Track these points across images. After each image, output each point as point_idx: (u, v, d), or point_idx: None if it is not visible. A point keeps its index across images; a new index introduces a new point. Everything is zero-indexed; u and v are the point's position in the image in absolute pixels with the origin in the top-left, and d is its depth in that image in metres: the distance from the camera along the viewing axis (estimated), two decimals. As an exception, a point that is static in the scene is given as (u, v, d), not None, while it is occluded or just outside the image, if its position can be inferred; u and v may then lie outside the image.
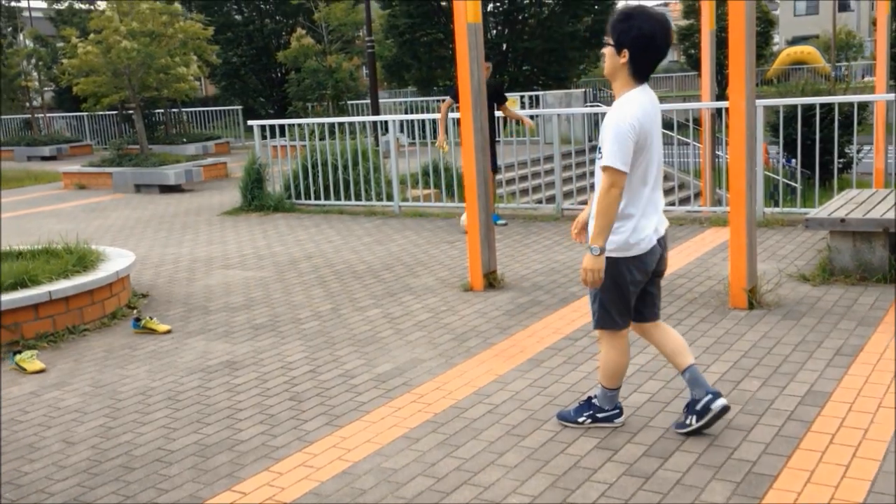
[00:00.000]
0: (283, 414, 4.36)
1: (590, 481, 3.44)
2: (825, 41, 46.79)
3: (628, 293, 3.69)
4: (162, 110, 22.14)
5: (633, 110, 3.47)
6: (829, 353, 4.66)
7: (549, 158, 10.86)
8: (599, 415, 3.92)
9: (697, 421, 3.74)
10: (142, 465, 3.87)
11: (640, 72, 3.53)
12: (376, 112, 16.04)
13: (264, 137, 11.70)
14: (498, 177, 10.21)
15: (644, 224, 3.60)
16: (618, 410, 3.94)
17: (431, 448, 3.84)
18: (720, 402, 3.71)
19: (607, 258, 3.54)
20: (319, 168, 11.05)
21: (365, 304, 6.37)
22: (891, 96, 8.52)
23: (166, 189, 14.33)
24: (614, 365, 3.83)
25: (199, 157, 18.55)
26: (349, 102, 22.77)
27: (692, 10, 40.70)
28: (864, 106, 12.60)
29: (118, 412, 4.54)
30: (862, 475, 3.33)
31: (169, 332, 5.96)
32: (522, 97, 18.83)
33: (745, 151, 5.46)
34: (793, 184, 12.35)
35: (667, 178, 13.25)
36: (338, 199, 10.92)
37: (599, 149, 3.56)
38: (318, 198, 11.07)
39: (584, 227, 3.85)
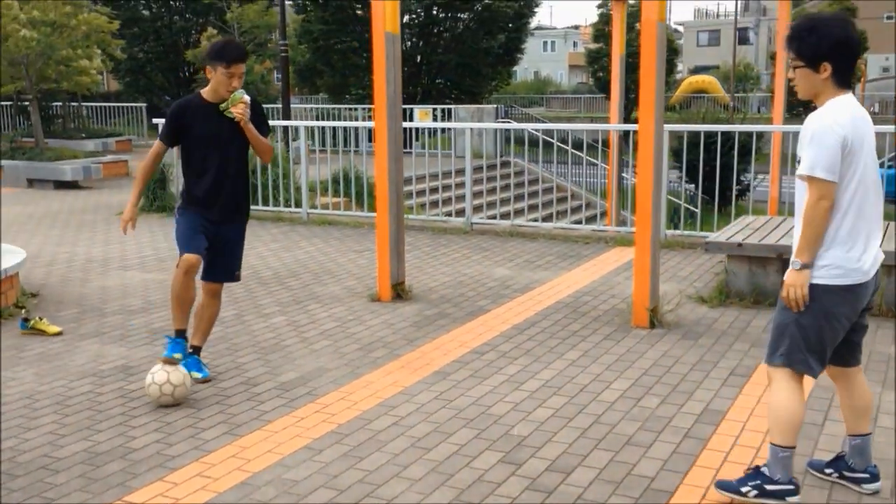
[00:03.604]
0: (179, 422, 4.21)
1: (494, 495, 3.44)
2: (725, 72, 48.79)
3: (833, 332, 3.20)
4: (60, 103, 21.27)
5: (837, 115, 3.08)
6: (725, 373, 4.81)
7: (460, 172, 10.93)
8: (769, 486, 3.25)
9: (839, 479, 3.44)
10: (26, 472, 3.67)
11: (845, 79, 3.16)
12: (287, 117, 15.80)
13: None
14: (408, 188, 10.20)
15: (869, 247, 3.20)
16: (793, 486, 3.24)
17: (334, 459, 3.77)
18: (874, 486, 3.39)
19: (812, 285, 3.14)
20: (226, 170, 10.77)
21: (270, 310, 6.24)
22: (787, 128, 8.91)
23: (62, 185, 13.75)
24: (789, 413, 3.21)
25: (99, 153, 17.87)
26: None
27: (602, 35, 41.77)
28: (759, 136, 13.17)
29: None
30: (754, 492, 3.43)
31: (59, 333, 5.69)
32: (435, 110, 18.91)
33: (653, 174, 5.60)
34: (692, 208, 12.78)
35: (574, 196, 13.51)
36: (244, 203, 10.67)
37: (798, 161, 3.17)
38: (223, 201, 10.79)
39: None
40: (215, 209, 4.66)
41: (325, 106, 23.64)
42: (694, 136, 10.03)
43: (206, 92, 4.61)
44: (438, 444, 3.92)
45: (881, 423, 4.07)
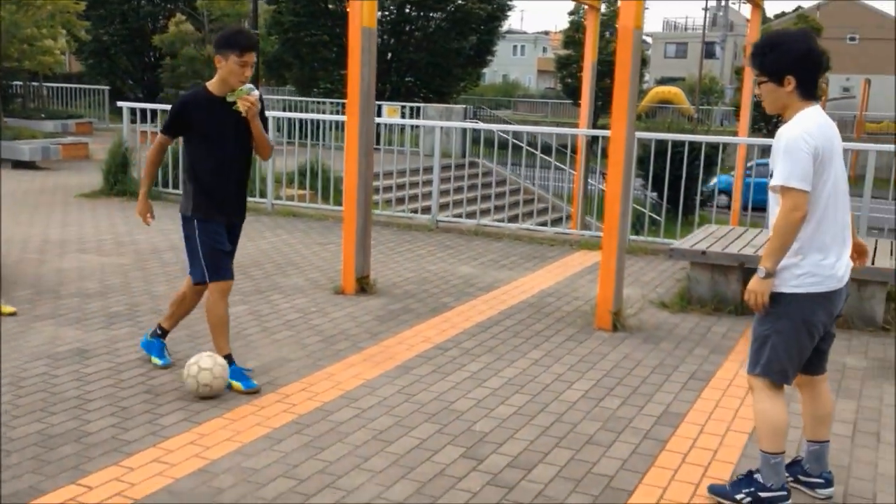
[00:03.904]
0: (137, 407, 4.14)
1: (455, 489, 3.43)
2: (691, 84, 49.45)
3: (810, 339, 3.25)
4: (21, 83, 20.83)
5: (806, 126, 3.12)
6: (685, 377, 4.87)
7: (428, 170, 10.92)
8: (763, 494, 3.29)
9: (794, 483, 3.48)
10: (-24, 453, 3.58)
11: (809, 91, 3.20)
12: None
13: (133, 121, 11.19)
14: (375, 183, 10.16)
15: (842, 254, 3.24)
16: (786, 492, 3.29)
17: (295, 449, 3.74)
18: (827, 491, 3.44)
19: (789, 294, 3.18)
20: (191, 157, 10.65)
21: (232, 299, 6.12)
22: (753, 140, 9.05)
23: (19, 165, 13.45)
24: (775, 421, 3.26)
25: (59, 134, 17.53)
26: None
27: (572, 41, 42.04)
28: (722, 147, 13.39)
29: (-48, 396, 4.19)
30: (711, 496, 3.47)
31: (14, 314, 5.56)
32: (404, 107, 18.88)
33: (623, 179, 5.64)
34: (656, 217, 12.92)
35: (540, 199, 13.57)
36: (208, 191, 10.55)
37: (771, 173, 3.20)
38: (186, 188, 10.66)
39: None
40: (228, 207, 4.50)
41: (293, 98, 23.45)
42: (659, 144, 10.13)
43: (212, 84, 4.41)
44: (400, 438, 3.91)
45: (836, 431, 4.14)
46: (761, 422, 3.31)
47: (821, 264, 3.18)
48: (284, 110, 20.95)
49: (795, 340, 3.23)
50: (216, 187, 4.43)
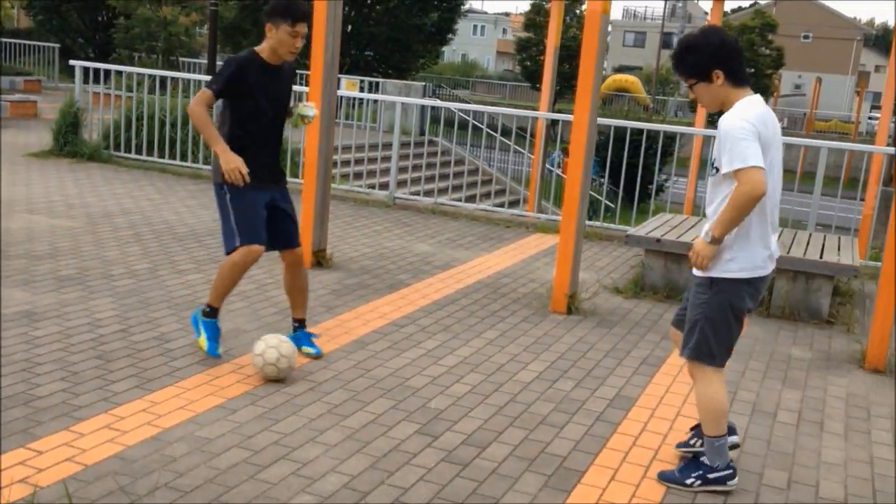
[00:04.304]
0: (87, 372, 4.07)
1: (409, 465, 3.45)
2: (648, 74, 49.88)
3: (738, 323, 3.38)
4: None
5: (746, 113, 3.20)
6: (636, 362, 4.95)
7: (386, 146, 10.86)
8: (711, 475, 3.42)
9: (702, 446, 3.54)
10: (-81, 414, 3.49)
11: (739, 78, 3.29)
12: (212, 72, 15.35)
13: (86, 81, 10.90)
14: (333, 157, 10.07)
15: (769, 243, 3.36)
16: (731, 471, 3.43)
17: (249, 420, 3.72)
18: (733, 438, 3.61)
19: (723, 279, 3.30)
20: (145, 121, 10.43)
21: (185, 267, 6.08)
22: (708, 131, 9.17)
23: (-36, 120, 13.02)
24: (715, 404, 3.38)
25: (6, 91, 17.01)
26: (181, 59, 21.70)
27: (532, 24, 42.07)
28: (675, 138, 13.59)
29: None
30: (661, 476, 3.55)
31: (-41, 273, 5.41)
32: (362, 82, 18.71)
33: (583, 163, 5.68)
34: (610, 204, 13.05)
35: (497, 181, 13.60)
36: (162, 156, 10.36)
37: (714, 162, 3.31)
38: (139, 152, 10.45)
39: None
40: (263, 172, 4.32)
41: (249, 66, 23.01)
42: (615, 132, 10.22)
43: (262, 50, 4.27)
44: (355, 413, 3.91)
45: (780, 420, 4.25)
46: (704, 407, 3.42)
47: (753, 251, 3.30)
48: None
49: (724, 324, 3.35)
50: (253, 154, 4.26)
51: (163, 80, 11.12)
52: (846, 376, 5.00)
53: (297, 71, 5.22)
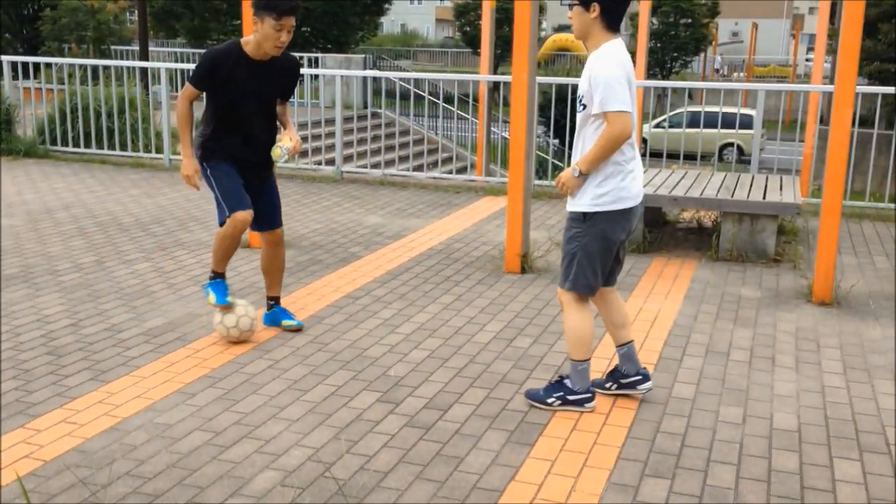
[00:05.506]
0: (39, 369, 4.00)
1: (372, 433, 3.46)
2: (587, 32, 49.78)
3: (610, 253, 3.58)
4: None
5: (616, 57, 3.39)
6: (591, 314, 4.99)
7: (329, 121, 10.77)
8: (570, 397, 3.68)
9: (618, 389, 3.81)
10: None
11: (614, 23, 3.44)
12: (145, 59, 15.03)
13: (15, 77, 10.60)
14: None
15: (636, 176, 3.54)
16: (590, 394, 3.70)
17: (209, 403, 3.70)
18: (646, 385, 3.79)
19: (595, 213, 3.47)
20: (80, 113, 10.19)
21: (133, 257, 5.99)
22: (648, 82, 9.25)
23: None
24: (581, 332, 3.63)
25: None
26: (113, 48, 21.20)
27: (470, -11, 41.73)
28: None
29: None
30: (620, 423, 3.62)
31: None
32: (302, 58, 18.46)
33: (525, 124, 5.70)
34: (558, 163, 13.12)
35: (444, 149, 13.58)
36: (100, 147, 10.14)
37: (581, 99, 3.46)
38: (77, 145, 10.22)
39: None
40: (247, 165, 4.34)
41: (185, 50, 22.62)
42: (559, 91, 10.25)
43: (246, 44, 4.19)
44: (315, 386, 3.91)
45: (733, 358, 4.35)
46: (569, 334, 3.65)
47: (620, 185, 3.48)
48: (177, 62, 20.22)
49: (599, 255, 3.55)
50: (228, 143, 4.28)
51: (95, 69, 10.85)
52: (795, 311, 5.12)
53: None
